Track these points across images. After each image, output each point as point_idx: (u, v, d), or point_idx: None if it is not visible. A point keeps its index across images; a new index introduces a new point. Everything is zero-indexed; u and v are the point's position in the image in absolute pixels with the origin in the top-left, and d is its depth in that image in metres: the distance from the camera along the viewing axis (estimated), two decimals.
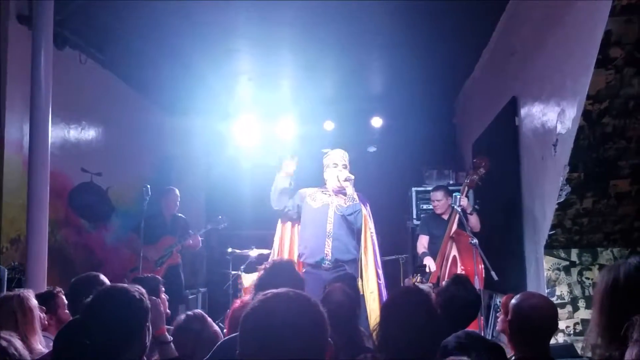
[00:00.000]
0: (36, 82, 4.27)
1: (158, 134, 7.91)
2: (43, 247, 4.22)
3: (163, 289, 2.93)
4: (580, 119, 3.61)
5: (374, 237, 4.96)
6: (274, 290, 1.42)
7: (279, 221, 5.09)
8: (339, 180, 4.75)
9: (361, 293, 4.57)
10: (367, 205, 5.01)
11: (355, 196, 4.77)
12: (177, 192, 6.30)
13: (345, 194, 4.76)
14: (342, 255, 4.64)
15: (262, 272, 2.75)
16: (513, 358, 2.28)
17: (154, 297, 2.40)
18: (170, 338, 2.43)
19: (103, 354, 1.89)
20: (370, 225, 4.93)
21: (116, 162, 6.61)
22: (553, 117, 4.19)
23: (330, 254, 4.59)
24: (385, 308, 2.58)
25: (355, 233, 4.77)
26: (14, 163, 4.78)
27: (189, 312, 2.87)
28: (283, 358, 1.27)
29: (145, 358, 2.13)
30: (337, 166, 4.81)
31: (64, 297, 3.13)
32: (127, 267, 6.15)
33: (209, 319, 2.79)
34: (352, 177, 4.75)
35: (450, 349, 2.07)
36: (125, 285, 2.08)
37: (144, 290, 2.06)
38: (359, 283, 4.69)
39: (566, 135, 3.91)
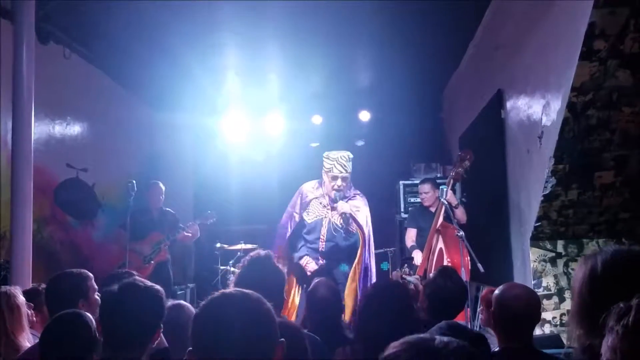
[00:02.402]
0: (18, 77, 4.22)
1: (145, 130, 7.87)
2: (28, 243, 4.18)
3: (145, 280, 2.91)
4: (565, 111, 3.63)
5: (368, 256, 4.96)
6: (224, 290, 1.48)
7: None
8: (334, 204, 4.78)
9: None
10: (365, 201, 5.06)
11: (353, 228, 4.80)
12: (162, 185, 6.24)
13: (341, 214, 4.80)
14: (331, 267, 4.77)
15: (241, 267, 2.72)
16: (498, 349, 2.30)
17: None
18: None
19: (126, 346, 1.91)
20: (367, 249, 4.93)
21: (102, 158, 6.56)
22: (538, 109, 4.21)
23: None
24: (363, 299, 2.59)
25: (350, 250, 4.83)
26: None
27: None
28: (232, 357, 1.31)
29: None
30: (336, 179, 4.77)
31: None
32: (115, 263, 6.11)
33: (187, 305, 2.75)
34: (348, 211, 4.72)
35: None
36: (146, 281, 2.09)
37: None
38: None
39: (551, 127, 3.94)
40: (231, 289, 1.51)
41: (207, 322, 1.39)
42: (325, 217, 4.80)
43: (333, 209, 4.80)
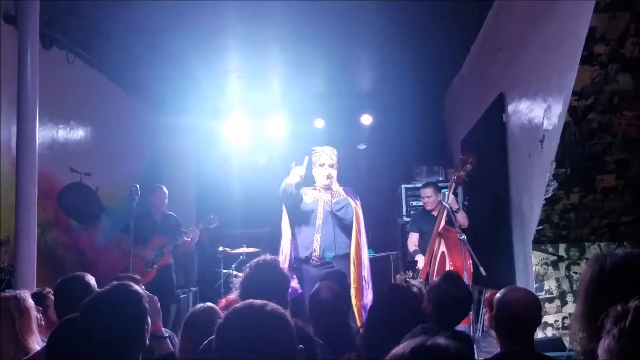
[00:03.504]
0: (23, 82, 4.24)
1: (147, 133, 7.89)
2: (32, 247, 4.20)
3: (142, 287, 2.93)
4: (566, 115, 3.65)
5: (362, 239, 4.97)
6: (248, 302, 1.53)
7: (282, 220, 5.05)
8: (327, 181, 4.85)
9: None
10: (358, 200, 5.05)
11: (341, 190, 4.88)
12: (165, 189, 6.25)
13: (330, 188, 4.88)
14: (330, 251, 4.71)
15: (246, 271, 2.74)
16: (499, 351, 2.31)
17: (150, 293, 2.42)
18: (166, 333, 2.44)
19: (107, 353, 1.90)
20: (361, 220, 4.96)
21: (105, 162, 6.58)
22: (540, 113, 4.23)
23: (318, 250, 4.69)
24: (372, 307, 2.60)
25: (347, 228, 4.82)
26: (2, 164, 4.75)
27: (197, 307, 2.86)
28: None
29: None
30: (323, 165, 4.89)
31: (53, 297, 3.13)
32: (118, 267, 6.12)
33: (218, 310, 2.77)
34: (333, 174, 4.83)
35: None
36: (128, 283, 2.09)
37: (141, 290, 2.07)
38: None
39: (552, 131, 3.95)
40: (245, 302, 1.55)
41: (232, 332, 1.45)
42: (321, 198, 4.86)
43: (327, 189, 4.89)
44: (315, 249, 4.70)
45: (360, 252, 4.86)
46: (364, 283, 4.81)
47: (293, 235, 4.90)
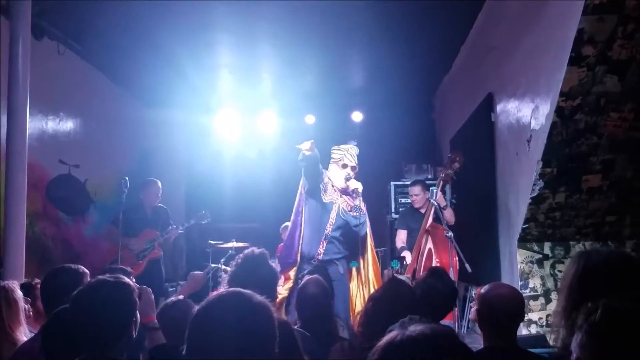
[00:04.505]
0: (13, 73, 4.24)
1: (138, 127, 7.87)
2: (21, 238, 4.20)
3: (133, 279, 2.93)
4: (553, 116, 3.70)
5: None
6: (221, 292, 1.49)
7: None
8: (346, 184, 4.81)
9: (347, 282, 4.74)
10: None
11: (363, 206, 4.82)
12: (159, 184, 6.26)
13: (350, 195, 4.84)
14: (332, 255, 4.77)
15: (235, 265, 2.75)
16: (482, 347, 2.35)
17: (144, 285, 2.44)
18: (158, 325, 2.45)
19: (93, 344, 1.91)
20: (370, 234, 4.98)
21: (94, 155, 6.56)
22: (527, 113, 4.27)
23: (322, 255, 4.74)
24: (372, 296, 2.64)
25: (353, 241, 4.81)
26: None
27: (169, 300, 2.86)
28: (228, 358, 1.32)
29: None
30: (346, 167, 4.85)
31: None
32: (107, 259, 6.12)
33: (191, 303, 2.78)
34: (361, 188, 4.77)
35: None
36: (111, 277, 2.09)
37: (131, 283, 2.08)
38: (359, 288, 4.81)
39: (540, 131, 4.00)
40: (229, 289, 1.52)
41: (202, 323, 1.39)
42: (336, 202, 4.83)
43: (343, 194, 4.84)
44: (320, 253, 4.73)
45: (374, 266, 4.87)
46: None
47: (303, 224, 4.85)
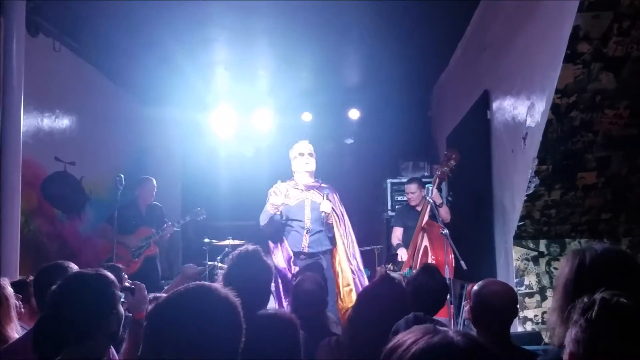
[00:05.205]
0: (8, 70, 4.22)
1: (133, 124, 7.85)
2: (15, 236, 4.18)
3: (126, 276, 2.92)
4: (549, 113, 3.69)
5: (347, 230, 5.06)
6: (186, 285, 1.41)
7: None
8: (309, 176, 4.96)
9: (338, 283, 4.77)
10: (336, 195, 5.12)
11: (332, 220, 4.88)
12: (154, 182, 6.26)
13: (316, 189, 4.97)
14: (318, 247, 4.86)
15: (229, 262, 2.75)
16: None
17: (138, 282, 2.42)
18: None
19: (70, 337, 1.89)
20: (343, 220, 5.04)
21: (90, 152, 6.55)
22: (523, 110, 4.28)
23: (307, 248, 4.83)
24: (362, 295, 2.64)
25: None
26: None
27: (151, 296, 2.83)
28: (187, 358, 1.25)
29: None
30: (303, 155, 4.96)
31: None
32: (102, 257, 6.12)
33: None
34: (329, 210, 4.83)
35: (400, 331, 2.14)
36: (91, 271, 2.07)
37: (112, 276, 2.05)
38: (338, 276, 4.85)
39: (535, 128, 4.00)
40: (192, 283, 1.42)
41: (156, 321, 1.32)
42: (307, 198, 4.92)
43: (309, 188, 4.95)
44: (305, 246, 4.83)
45: (344, 252, 4.91)
46: (357, 282, 4.85)
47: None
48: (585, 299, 1.30)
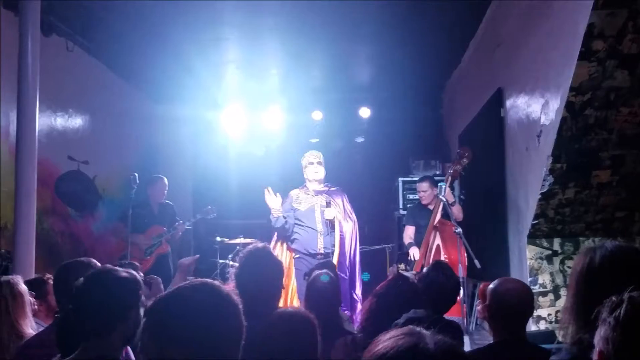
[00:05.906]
0: (23, 69, 4.25)
1: (145, 123, 7.89)
2: (31, 234, 4.22)
3: (142, 274, 2.94)
4: (563, 111, 3.68)
5: (353, 234, 5.28)
6: (187, 282, 1.39)
7: (274, 238, 5.36)
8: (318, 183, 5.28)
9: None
10: (344, 196, 5.37)
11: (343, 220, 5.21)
12: (166, 180, 6.28)
13: (325, 193, 5.25)
14: (331, 248, 5.11)
15: (239, 261, 2.77)
16: (492, 342, 2.34)
17: (155, 276, 2.43)
18: None
19: (90, 334, 1.90)
20: (347, 223, 5.27)
21: (103, 151, 6.59)
22: (537, 108, 4.25)
23: (322, 249, 5.09)
24: (376, 294, 2.64)
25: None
26: (1, 150, 4.75)
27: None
28: (184, 357, 1.23)
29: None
30: (312, 164, 5.32)
31: None
32: (114, 255, 6.16)
33: None
34: (332, 217, 5.12)
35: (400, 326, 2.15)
36: (113, 267, 2.08)
37: (134, 273, 2.06)
38: None
39: (550, 126, 3.98)
40: (195, 280, 1.41)
41: (155, 320, 1.29)
42: (316, 203, 5.22)
43: (318, 193, 5.26)
44: (320, 248, 5.09)
45: (343, 247, 5.17)
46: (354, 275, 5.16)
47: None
48: (614, 298, 1.30)
